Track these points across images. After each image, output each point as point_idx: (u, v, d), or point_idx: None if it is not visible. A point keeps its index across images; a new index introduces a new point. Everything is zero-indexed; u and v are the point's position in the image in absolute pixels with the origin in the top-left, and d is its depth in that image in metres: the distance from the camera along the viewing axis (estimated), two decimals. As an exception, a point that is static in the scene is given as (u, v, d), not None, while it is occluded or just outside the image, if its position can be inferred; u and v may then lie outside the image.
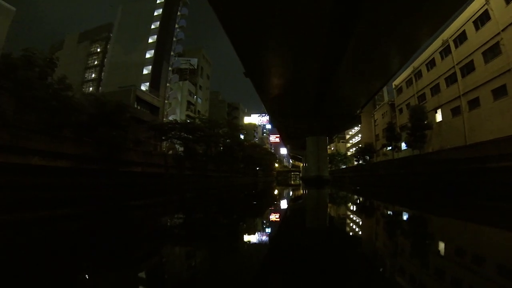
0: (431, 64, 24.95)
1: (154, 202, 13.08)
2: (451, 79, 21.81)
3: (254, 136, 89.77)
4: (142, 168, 15.42)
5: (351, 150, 57.07)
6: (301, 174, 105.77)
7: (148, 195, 14.36)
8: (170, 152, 25.75)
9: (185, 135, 22.01)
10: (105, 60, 45.53)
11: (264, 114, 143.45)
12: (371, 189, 20.99)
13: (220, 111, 63.69)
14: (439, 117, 23.48)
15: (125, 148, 14.02)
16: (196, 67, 42.33)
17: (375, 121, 41.15)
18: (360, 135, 52.04)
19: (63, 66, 39.02)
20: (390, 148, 30.92)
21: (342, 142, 61.20)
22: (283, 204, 13.45)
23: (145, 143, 19.19)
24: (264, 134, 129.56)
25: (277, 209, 10.93)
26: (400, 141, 24.55)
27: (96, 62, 52.39)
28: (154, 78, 32.57)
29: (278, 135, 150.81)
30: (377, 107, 43.60)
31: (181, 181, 18.96)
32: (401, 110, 32.31)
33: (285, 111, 28.09)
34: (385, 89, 45.01)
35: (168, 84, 34.02)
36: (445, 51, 22.44)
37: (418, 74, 27.55)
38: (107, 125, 12.10)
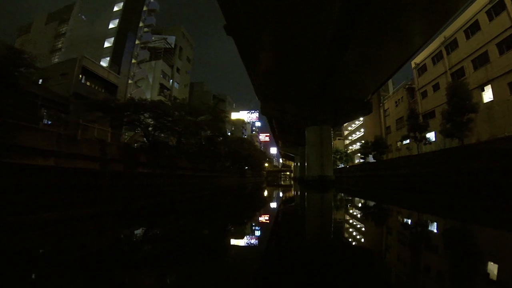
0: (473, 28, 20.10)
1: (57, 218, 7.43)
2: (507, 44, 16.97)
3: (243, 133, 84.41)
4: (55, 161, 9.58)
5: (350, 147, 52.43)
6: (293, 174, 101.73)
7: (60, 204, 8.69)
8: (136, 146, 19.95)
9: (146, 119, 16.21)
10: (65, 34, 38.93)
11: (253, 111, 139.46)
12: (393, 194, 15.89)
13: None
14: (487, 96, 18.73)
15: (12, 124, 8.13)
16: (173, 46, 36.29)
17: (385, 111, 36.36)
18: (362, 130, 47.28)
19: (30, 50, 34.38)
20: (408, 141, 26.13)
21: (339, 139, 56.52)
22: (289, 233, 8.05)
23: (82, 127, 13.30)
24: (254, 132, 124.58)
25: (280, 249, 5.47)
26: (425, 131, 19.62)
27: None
28: (117, 52, 26.39)
29: (268, 134, 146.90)
30: (382, 98, 39.02)
31: (134, 182, 13.16)
32: (424, 94, 27.36)
33: (280, 93, 22.51)
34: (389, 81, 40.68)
35: (134, 61, 27.86)
36: (496, 7, 17.59)
37: (451, 44, 22.70)
38: None
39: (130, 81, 26.69)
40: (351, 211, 9.60)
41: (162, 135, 23.86)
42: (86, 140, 11.55)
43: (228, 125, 68.51)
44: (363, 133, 47.09)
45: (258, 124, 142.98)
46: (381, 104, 37.34)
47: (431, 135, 21.49)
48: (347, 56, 16.27)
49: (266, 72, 19.06)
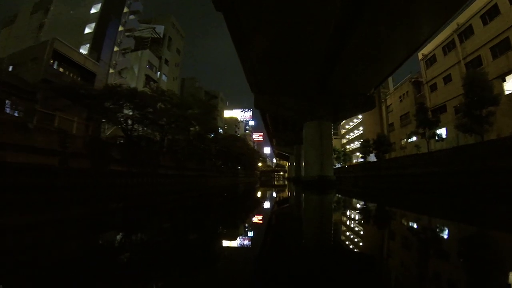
0: (491, 13, 18.47)
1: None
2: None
3: (236, 132, 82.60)
4: (-5, 155, 7.69)
5: (347, 146, 51.05)
6: (287, 175, 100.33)
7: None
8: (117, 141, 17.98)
9: (124, 109, 14.23)
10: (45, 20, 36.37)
11: (247, 110, 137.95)
12: (402, 196, 14.33)
13: (196, 99, 55.72)
14: (509, 87, 17.08)
15: None
16: (161, 36, 34.16)
17: (387, 107, 34.87)
18: (361, 128, 45.81)
19: (14, 42, 31.74)
20: (414, 138, 24.81)
21: (335, 138, 54.89)
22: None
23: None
24: (247, 131, 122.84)
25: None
26: (436, 126, 18.18)
27: (47, 33, 43.50)
28: (97, 38, 24.21)
29: (262, 134, 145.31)
30: (383, 95, 37.70)
31: (104, 182, 11.22)
32: (433, 87, 25.59)
33: (276, 84, 20.63)
34: (389, 80, 39.35)
35: (116, 49, 25.70)
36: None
37: (465, 32, 21.08)
38: None
39: (111, 70, 24.51)
40: (364, 220, 7.91)
41: (145, 129, 21.85)
42: (42, 130, 9.58)
43: (220, 123, 66.65)
44: (361, 132, 45.69)
45: (251, 123, 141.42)
46: (383, 100, 35.79)
47: (441, 131, 19.94)
48: (351, 44, 14.65)
49: (261, 60, 17.19)
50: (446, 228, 6.25)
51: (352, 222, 7.23)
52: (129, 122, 15.31)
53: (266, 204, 11.84)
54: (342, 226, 6.51)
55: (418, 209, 9.44)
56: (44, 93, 15.87)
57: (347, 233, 5.67)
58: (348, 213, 8.89)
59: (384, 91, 38.07)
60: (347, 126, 55.56)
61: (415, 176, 16.29)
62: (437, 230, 6.16)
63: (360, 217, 8.00)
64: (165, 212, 9.37)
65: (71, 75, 19.38)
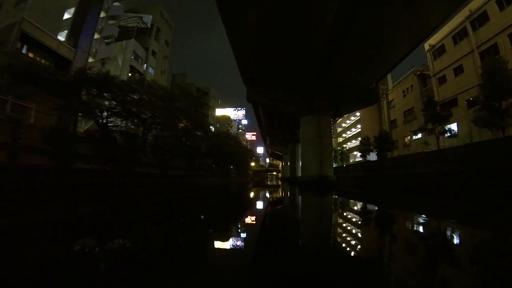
0: None
1: None
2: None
3: (228, 131, 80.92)
4: None
5: (344, 145, 49.89)
6: (280, 175, 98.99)
7: None
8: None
9: (96, 98, 12.50)
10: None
11: (240, 108, 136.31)
12: (414, 199, 13.05)
13: (186, 96, 53.90)
14: None
15: None
16: (149, 27, 32.25)
17: (389, 103, 33.56)
18: (359, 126, 44.62)
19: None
20: (420, 135, 23.70)
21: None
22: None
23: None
24: (240, 130, 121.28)
25: None
26: (447, 121, 17.10)
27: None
28: (77, 24, 22.27)
29: (255, 133, 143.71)
30: (381, 92, 36.64)
31: (67, 182, 9.53)
32: (442, 79, 24.05)
33: (271, 74, 18.94)
34: (388, 76, 38.30)
35: (97, 36, 23.78)
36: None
37: (479, 18, 19.66)
38: None
39: (91, 59, 22.60)
40: (380, 228, 6.50)
41: (129, 124, 20.10)
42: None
43: (212, 121, 64.87)
44: (359, 130, 44.54)
45: (244, 122, 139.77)
46: (384, 96, 34.49)
47: (452, 127, 18.65)
48: (356, 27, 13.29)
49: (255, 44, 15.47)
50: (475, 239, 4.88)
51: (370, 234, 5.80)
52: (105, 114, 13.63)
53: (262, 209, 10.32)
54: (356, 237, 5.08)
55: (445, 215, 8.08)
56: (13, 81, 14.01)
57: (364, 248, 4.23)
58: (360, 221, 7.47)
59: (383, 88, 36.99)
60: (343, 125, 54.38)
61: (425, 176, 15.01)
62: (472, 242, 4.78)
63: (381, 228, 6.58)
64: (137, 220, 7.76)
65: (43, 61, 17.49)
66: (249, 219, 7.26)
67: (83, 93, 12.89)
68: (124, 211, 8.39)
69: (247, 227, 6.11)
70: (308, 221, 7.27)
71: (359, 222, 6.91)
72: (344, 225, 6.38)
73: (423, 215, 7.70)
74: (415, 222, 6.70)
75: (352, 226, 6.18)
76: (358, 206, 10.63)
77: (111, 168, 11.27)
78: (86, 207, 8.46)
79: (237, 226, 6.27)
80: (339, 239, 4.90)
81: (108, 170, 11.11)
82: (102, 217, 7.28)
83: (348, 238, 4.90)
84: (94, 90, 11.98)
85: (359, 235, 5.35)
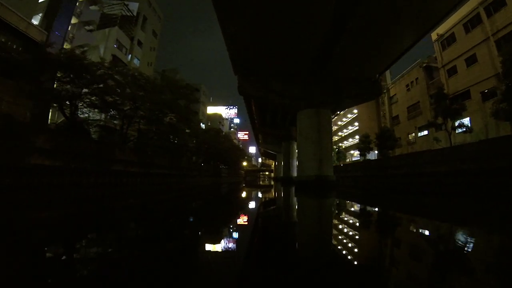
0: None
1: None
2: None
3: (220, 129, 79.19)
4: None
5: (340, 144, 48.70)
6: (273, 174, 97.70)
7: None
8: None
9: (65, 85, 10.78)
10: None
11: (232, 107, 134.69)
12: (432, 203, 11.77)
13: (176, 92, 52.00)
14: None
15: None
16: (135, 15, 30.31)
17: (390, 98, 32.38)
18: (356, 124, 43.43)
19: None
20: (426, 132, 22.58)
21: (326, 136, 52.56)
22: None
23: None
24: (232, 129, 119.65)
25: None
26: (459, 116, 15.85)
27: None
28: (52, 6, 20.31)
29: (247, 132, 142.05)
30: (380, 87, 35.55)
31: (20, 183, 7.83)
32: (452, 71, 22.88)
33: (266, 64, 17.24)
34: (387, 72, 37.22)
35: (75, 20, 21.80)
36: None
37: (494, 4, 18.37)
38: None
39: (67, 45, 20.58)
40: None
41: (107, 117, 18.34)
42: None
43: (203, 118, 62.95)
44: (357, 128, 43.38)
45: (236, 120, 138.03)
46: (385, 91, 33.17)
47: (465, 122, 17.47)
48: (360, 12, 11.96)
49: (247, 24, 13.82)
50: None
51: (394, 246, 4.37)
52: (77, 103, 11.89)
53: (255, 211, 8.78)
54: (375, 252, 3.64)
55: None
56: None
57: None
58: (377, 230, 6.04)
59: (382, 84, 35.97)
60: (339, 123, 53.17)
61: (436, 176, 13.76)
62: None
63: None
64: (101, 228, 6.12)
65: (10, 43, 15.49)
66: (246, 228, 5.72)
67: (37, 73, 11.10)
68: (84, 217, 6.73)
69: (244, 240, 4.56)
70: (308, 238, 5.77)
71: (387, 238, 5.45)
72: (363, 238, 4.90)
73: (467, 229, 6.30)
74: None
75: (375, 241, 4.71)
76: (374, 216, 9.13)
77: (77, 165, 9.55)
78: (36, 214, 6.78)
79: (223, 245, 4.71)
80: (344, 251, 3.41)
81: (73, 167, 9.38)
82: (48, 227, 5.60)
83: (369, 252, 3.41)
84: (60, 73, 10.25)
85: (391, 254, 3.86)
